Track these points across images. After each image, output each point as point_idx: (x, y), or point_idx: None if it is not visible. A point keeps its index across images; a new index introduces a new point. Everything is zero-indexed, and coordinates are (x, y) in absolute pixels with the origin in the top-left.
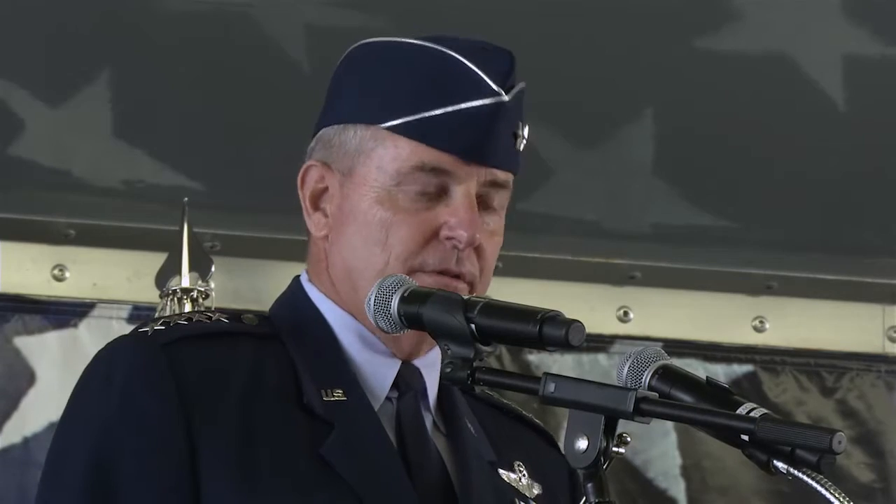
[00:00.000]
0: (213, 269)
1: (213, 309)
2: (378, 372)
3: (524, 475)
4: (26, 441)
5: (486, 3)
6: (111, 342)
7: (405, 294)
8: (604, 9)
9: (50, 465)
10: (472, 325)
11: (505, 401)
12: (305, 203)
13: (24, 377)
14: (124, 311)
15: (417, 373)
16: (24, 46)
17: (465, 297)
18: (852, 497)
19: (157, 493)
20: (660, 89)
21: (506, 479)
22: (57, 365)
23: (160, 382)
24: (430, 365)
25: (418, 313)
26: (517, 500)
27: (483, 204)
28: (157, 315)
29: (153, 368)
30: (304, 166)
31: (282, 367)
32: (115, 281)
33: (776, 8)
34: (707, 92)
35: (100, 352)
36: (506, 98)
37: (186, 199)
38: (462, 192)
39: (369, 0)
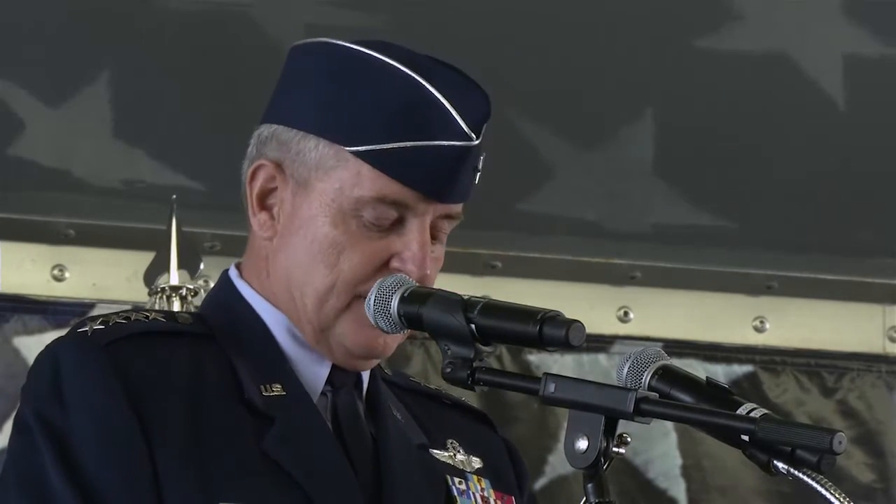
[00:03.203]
0: (202, 266)
1: (147, 308)
2: (312, 368)
3: (459, 451)
4: None
5: (485, 5)
6: (51, 344)
7: (405, 294)
8: (604, 9)
9: (12, 475)
10: (472, 326)
11: (434, 387)
12: (252, 201)
13: (23, 377)
14: None
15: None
16: (24, 46)
17: (465, 296)
18: (852, 497)
19: (131, 490)
20: (660, 89)
21: (439, 457)
22: None
23: (107, 382)
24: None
25: (418, 313)
26: (450, 477)
27: (433, 234)
28: None
29: (99, 368)
30: (256, 164)
31: (220, 365)
32: (115, 281)
33: (776, 8)
34: (707, 92)
35: (41, 355)
36: (476, 142)
37: (175, 196)
38: (417, 226)
39: (369, 0)
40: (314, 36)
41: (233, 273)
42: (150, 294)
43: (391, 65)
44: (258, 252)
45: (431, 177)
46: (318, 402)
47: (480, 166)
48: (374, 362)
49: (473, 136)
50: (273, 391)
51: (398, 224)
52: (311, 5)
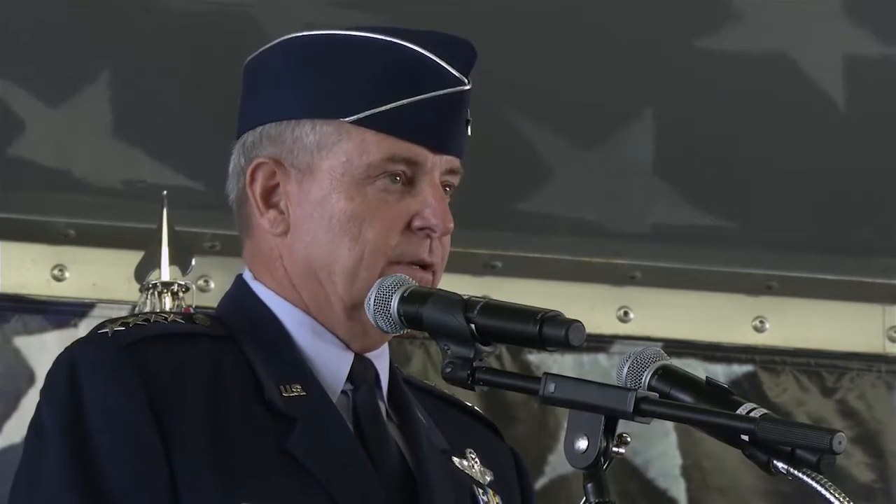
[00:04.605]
0: (193, 262)
1: (165, 310)
2: (332, 366)
3: (476, 462)
4: None
5: (485, 5)
6: (70, 346)
7: (405, 294)
8: (604, 9)
9: (24, 476)
10: (472, 325)
11: (446, 391)
12: (257, 202)
13: (23, 377)
14: (124, 311)
15: (370, 364)
16: (24, 46)
17: (465, 296)
18: (852, 497)
19: (145, 491)
20: (660, 89)
21: (459, 466)
22: None
23: (127, 383)
24: (381, 355)
25: (418, 313)
26: (474, 487)
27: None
28: (136, 311)
29: (118, 369)
30: (254, 164)
31: (239, 366)
32: (115, 281)
33: (776, 8)
34: (707, 91)
35: (60, 356)
36: (468, 86)
37: (165, 192)
38: (430, 181)
39: (369, 0)
40: None
41: (247, 275)
42: (140, 290)
43: (364, 37)
44: (269, 253)
45: (434, 129)
46: (338, 402)
47: (470, 117)
48: (383, 345)
49: (465, 80)
50: (293, 392)
51: (409, 186)
52: (311, 5)
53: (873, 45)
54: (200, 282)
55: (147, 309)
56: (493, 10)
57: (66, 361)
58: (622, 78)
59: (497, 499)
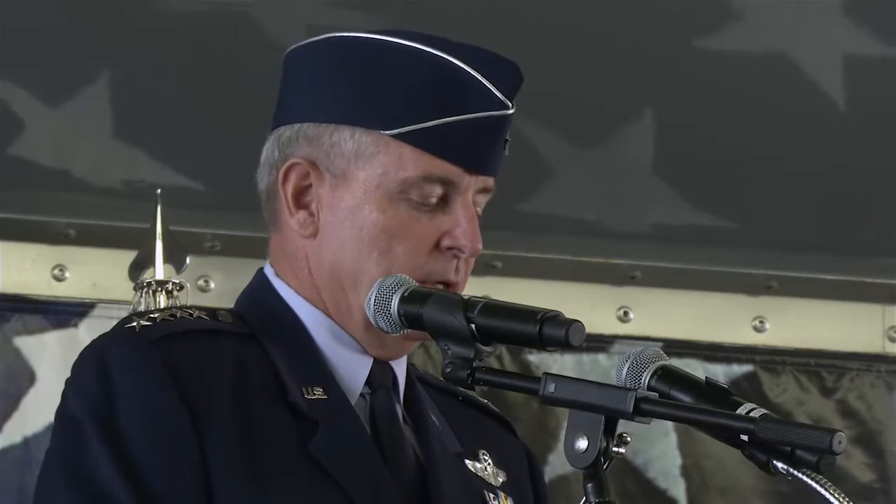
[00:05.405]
0: (188, 261)
1: (189, 306)
2: (352, 369)
3: (489, 464)
4: (26, 441)
5: (485, 5)
6: (97, 339)
7: (405, 294)
8: (604, 9)
9: (59, 469)
10: (473, 325)
11: (461, 389)
12: (288, 201)
13: (24, 377)
14: (124, 312)
15: (388, 369)
16: (24, 46)
17: (465, 296)
18: (852, 497)
19: (183, 483)
20: (660, 89)
21: (472, 469)
22: (57, 365)
23: (159, 378)
24: (399, 359)
25: (418, 313)
26: (485, 491)
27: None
28: (132, 310)
29: (148, 363)
30: (288, 164)
31: (262, 365)
32: (115, 281)
33: (776, 8)
34: (707, 91)
35: (87, 350)
36: (511, 110)
37: (159, 190)
38: (463, 202)
39: (369, 0)
40: (315, 36)
41: (269, 271)
42: (135, 289)
43: (411, 46)
44: (296, 253)
45: (472, 150)
46: (356, 405)
47: (509, 137)
48: (416, 343)
49: (509, 104)
50: (315, 394)
51: (442, 203)
52: (312, 5)
53: (873, 45)
54: (200, 282)
55: (142, 308)
56: (493, 10)
57: (96, 355)
58: (622, 78)
59: (509, 501)
